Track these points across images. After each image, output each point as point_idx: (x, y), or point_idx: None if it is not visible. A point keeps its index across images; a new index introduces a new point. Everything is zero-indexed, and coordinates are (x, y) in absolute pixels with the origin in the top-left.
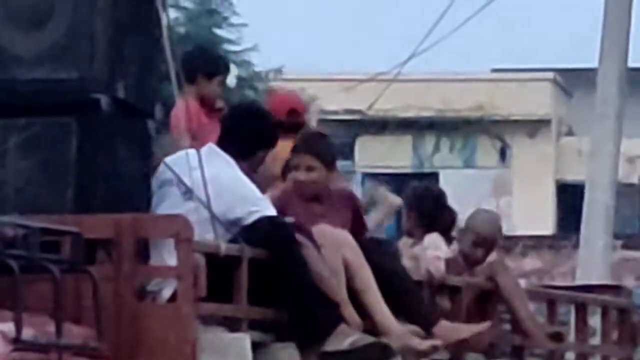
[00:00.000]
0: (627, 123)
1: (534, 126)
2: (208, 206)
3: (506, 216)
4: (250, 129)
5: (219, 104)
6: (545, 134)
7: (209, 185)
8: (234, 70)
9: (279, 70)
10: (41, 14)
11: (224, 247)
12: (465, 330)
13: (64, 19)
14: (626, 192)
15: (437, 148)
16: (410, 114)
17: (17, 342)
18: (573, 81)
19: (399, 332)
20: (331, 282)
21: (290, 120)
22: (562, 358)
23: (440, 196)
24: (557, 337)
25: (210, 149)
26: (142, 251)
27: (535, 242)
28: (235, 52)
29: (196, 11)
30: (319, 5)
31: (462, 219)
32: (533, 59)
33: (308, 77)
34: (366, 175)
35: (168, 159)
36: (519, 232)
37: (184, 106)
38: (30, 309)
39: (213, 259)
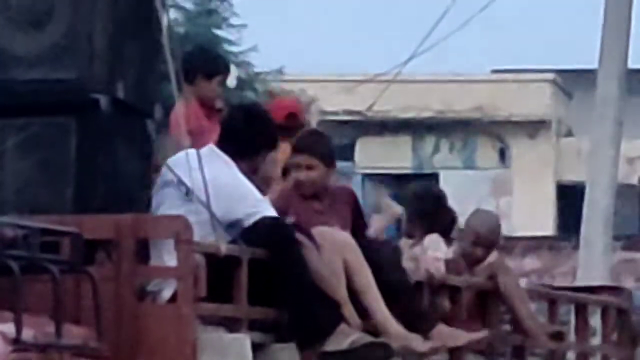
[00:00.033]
0: (627, 124)
1: (534, 127)
2: (208, 207)
3: (506, 217)
4: (250, 130)
5: (219, 104)
6: (545, 135)
7: (208, 186)
8: (233, 71)
9: (278, 71)
10: (41, 14)
11: (224, 248)
12: (462, 337)
13: (64, 19)
14: (626, 193)
15: (437, 149)
16: (410, 114)
17: (17, 343)
18: (573, 82)
19: (398, 333)
20: (331, 281)
21: (288, 123)
22: (563, 358)
23: (440, 197)
24: (558, 337)
25: (210, 149)
26: (142, 252)
27: (535, 243)
28: (235, 53)
29: (196, 12)
30: (319, 6)
31: (462, 220)
32: (533, 60)
33: (308, 78)
34: (366, 176)
35: (169, 160)
36: (519, 233)
37: (183, 107)
38: (30, 310)
39: (213, 259)
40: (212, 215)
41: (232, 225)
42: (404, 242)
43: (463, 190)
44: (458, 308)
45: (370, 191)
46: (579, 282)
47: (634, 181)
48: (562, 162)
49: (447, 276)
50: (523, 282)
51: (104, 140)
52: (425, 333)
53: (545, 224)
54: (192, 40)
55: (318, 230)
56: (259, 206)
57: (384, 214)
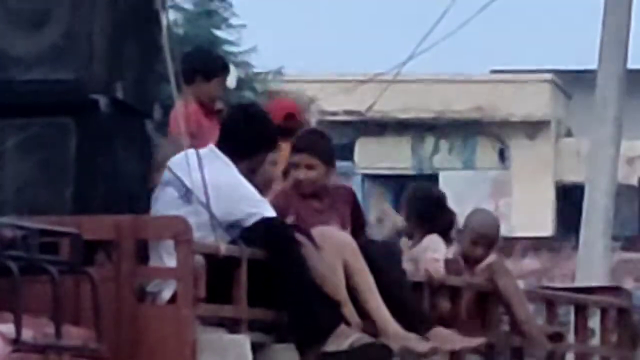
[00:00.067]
0: (626, 124)
1: (533, 127)
2: (207, 208)
3: (505, 217)
4: (249, 131)
5: (218, 105)
6: (544, 136)
7: (208, 187)
8: (233, 72)
9: (278, 72)
10: (40, 15)
11: (224, 248)
12: (458, 342)
13: (63, 19)
14: (625, 194)
15: (436, 149)
16: (409, 115)
17: (16, 344)
18: (572, 82)
19: (398, 333)
20: (331, 281)
21: (286, 124)
22: (562, 359)
23: (440, 197)
24: (557, 338)
25: (210, 150)
26: (142, 252)
27: (535, 244)
28: (234, 53)
29: (195, 12)
30: (319, 7)
31: (461, 220)
32: (532, 61)
33: (307, 78)
34: (366, 177)
35: (169, 161)
36: (518, 234)
37: (183, 107)
38: (29, 311)
39: (213, 260)
40: (212, 215)
41: (231, 226)
42: (403, 243)
43: (462, 191)
44: (457, 309)
45: (369, 191)
46: (579, 283)
47: (634, 182)
48: (561, 163)
49: (446, 277)
50: (522, 284)
51: (103, 140)
52: (423, 334)
53: (544, 224)
54: (191, 40)
55: (318, 231)
56: (258, 206)
57: (387, 223)
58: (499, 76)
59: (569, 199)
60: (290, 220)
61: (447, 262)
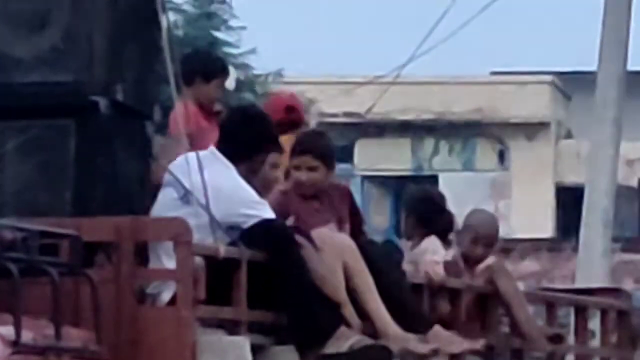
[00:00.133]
0: (626, 126)
1: (533, 129)
2: (207, 209)
3: (505, 219)
4: (249, 133)
5: (218, 106)
6: (544, 137)
7: (208, 189)
8: (232, 73)
9: (278, 73)
10: (40, 17)
11: (223, 250)
12: (457, 344)
13: (63, 21)
14: (625, 195)
15: (436, 151)
16: (409, 116)
17: (16, 345)
18: (572, 84)
19: (398, 335)
20: (331, 283)
21: (288, 117)
22: None
23: (439, 199)
24: (557, 340)
25: (210, 152)
26: (142, 254)
27: (535, 245)
28: (234, 55)
29: (195, 14)
30: (318, 9)
31: (460, 222)
32: (532, 62)
33: (307, 80)
34: (366, 178)
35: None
36: (518, 235)
37: (182, 109)
38: (29, 312)
39: (212, 261)
40: (212, 217)
41: (231, 228)
42: (403, 244)
43: (462, 192)
44: (457, 311)
45: (369, 193)
46: (579, 284)
47: (634, 183)
48: (561, 164)
49: (446, 279)
50: (522, 285)
51: (103, 142)
52: (422, 334)
53: (544, 226)
54: (191, 42)
55: (317, 232)
56: (257, 208)
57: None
58: (498, 78)
59: (569, 201)
60: (290, 221)
61: (447, 264)
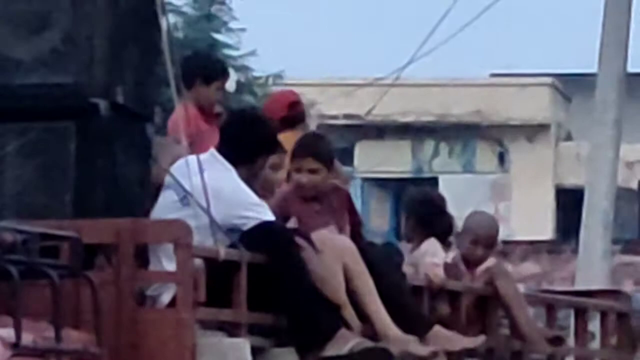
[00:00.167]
0: (626, 128)
1: (533, 131)
2: (207, 212)
3: (505, 221)
4: (249, 136)
5: (218, 109)
6: (544, 139)
7: (208, 191)
8: (232, 75)
9: (278, 75)
10: (40, 19)
11: (223, 252)
12: (458, 342)
13: (63, 23)
14: (625, 197)
15: (436, 153)
16: (409, 118)
17: (16, 348)
18: (572, 86)
19: (398, 337)
20: (331, 285)
21: (292, 113)
22: None
23: (439, 201)
24: (557, 341)
25: (211, 155)
26: (142, 256)
27: (534, 247)
28: (234, 57)
29: (195, 16)
30: (318, 11)
31: (460, 224)
32: (532, 64)
33: (307, 82)
34: (366, 180)
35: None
36: (518, 237)
37: (182, 111)
38: (29, 315)
39: (212, 263)
40: (212, 219)
41: (231, 230)
42: (403, 247)
43: (462, 195)
44: (457, 313)
45: (369, 195)
46: (578, 286)
47: (633, 185)
48: (561, 166)
49: (446, 281)
50: (522, 287)
51: (103, 144)
52: (422, 335)
53: (544, 228)
54: (191, 44)
55: (318, 234)
56: (257, 210)
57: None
58: (498, 79)
59: (569, 202)
60: (291, 223)
61: (447, 266)
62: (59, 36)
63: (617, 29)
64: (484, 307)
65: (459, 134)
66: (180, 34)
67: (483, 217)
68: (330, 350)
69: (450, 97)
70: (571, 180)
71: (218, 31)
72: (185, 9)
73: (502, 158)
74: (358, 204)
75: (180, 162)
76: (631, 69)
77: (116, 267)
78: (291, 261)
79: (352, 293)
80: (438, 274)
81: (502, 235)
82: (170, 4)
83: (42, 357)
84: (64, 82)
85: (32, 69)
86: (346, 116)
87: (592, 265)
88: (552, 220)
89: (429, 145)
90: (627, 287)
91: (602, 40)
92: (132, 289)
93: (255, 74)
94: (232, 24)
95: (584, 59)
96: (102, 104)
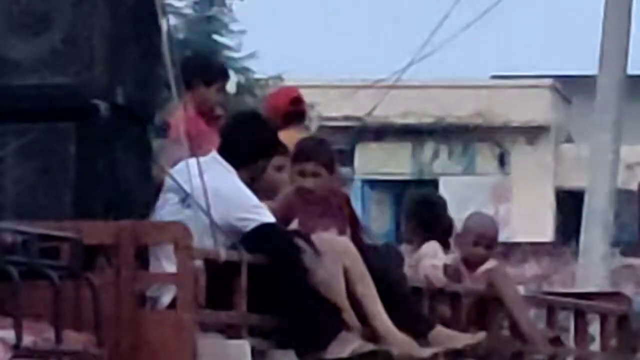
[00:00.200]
0: (626, 130)
1: (533, 133)
2: (207, 213)
3: (505, 223)
4: (250, 138)
5: (218, 111)
6: (544, 141)
7: (208, 193)
8: (233, 77)
9: (278, 77)
10: (40, 20)
11: (224, 254)
12: (460, 340)
13: (63, 24)
14: (625, 199)
15: (436, 155)
16: (409, 120)
17: (16, 349)
18: (572, 88)
19: (399, 339)
20: (332, 287)
21: (294, 108)
22: None
23: (440, 204)
24: (557, 342)
25: (212, 157)
26: (142, 257)
27: (535, 249)
28: (234, 59)
29: (196, 18)
30: (318, 13)
31: (459, 226)
32: (532, 66)
33: (307, 83)
34: (366, 182)
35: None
36: (518, 239)
37: (182, 113)
38: (29, 316)
39: (212, 265)
40: (212, 221)
41: (231, 232)
42: (403, 248)
43: (462, 196)
44: (458, 314)
45: (369, 197)
46: (578, 288)
47: (634, 187)
48: (561, 168)
49: (446, 283)
50: (522, 289)
51: (103, 145)
52: (423, 336)
53: (544, 230)
54: (191, 46)
55: (318, 237)
56: (258, 212)
57: None
58: (499, 82)
59: (569, 204)
60: (293, 226)
61: (447, 267)
62: (59, 36)
63: (618, 31)
64: (484, 309)
65: (460, 135)
66: (180, 36)
67: (482, 219)
68: (332, 352)
69: (450, 99)
70: (571, 182)
71: (218, 33)
72: (186, 10)
73: (502, 160)
74: (358, 206)
75: (180, 164)
76: (631, 71)
77: (116, 268)
78: (291, 263)
79: (352, 295)
80: (438, 276)
81: (503, 237)
82: (170, 5)
83: (42, 358)
84: (63, 83)
85: (32, 69)
86: (346, 118)
87: (592, 267)
88: (552, 222)
89: (429, 147)
90: (627, 289)
91: (603, 42)
92: (132, 290)
93: (256, 75)
94: (233, 26)
95: (584, 61)
96: (102, 105)
